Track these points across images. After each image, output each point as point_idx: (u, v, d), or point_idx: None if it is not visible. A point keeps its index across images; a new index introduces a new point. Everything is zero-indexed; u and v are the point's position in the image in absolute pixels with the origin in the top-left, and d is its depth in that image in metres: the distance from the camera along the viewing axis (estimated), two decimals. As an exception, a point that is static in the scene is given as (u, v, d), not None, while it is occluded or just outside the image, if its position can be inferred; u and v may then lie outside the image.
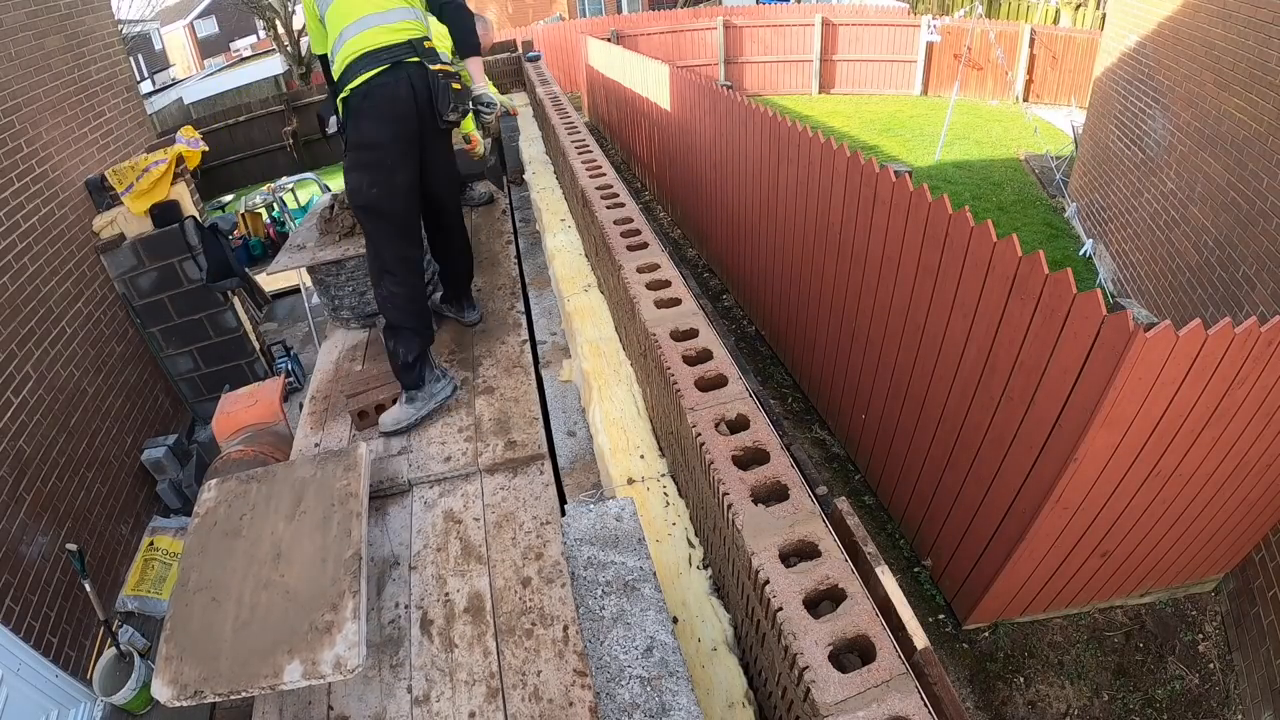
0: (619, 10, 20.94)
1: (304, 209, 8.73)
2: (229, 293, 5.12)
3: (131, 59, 7.43)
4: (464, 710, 1.41)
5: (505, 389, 2.33)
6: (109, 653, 3.44)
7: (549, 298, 2.81)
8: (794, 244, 4.56)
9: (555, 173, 3.47)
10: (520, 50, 7.32)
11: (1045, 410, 2.57)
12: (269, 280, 6.36)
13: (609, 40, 12.05)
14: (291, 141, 12.54)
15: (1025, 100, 11.48)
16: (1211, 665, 3.22)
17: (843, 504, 1.42)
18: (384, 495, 1.98)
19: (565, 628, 1.53)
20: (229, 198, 10.37)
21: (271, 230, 8.62)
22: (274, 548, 1.59)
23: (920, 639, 1.19)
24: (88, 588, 3.24)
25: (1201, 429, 2.49)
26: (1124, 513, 2.79)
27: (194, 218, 4.96)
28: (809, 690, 0.77)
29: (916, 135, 10.51)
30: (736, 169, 5.35)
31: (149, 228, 4.83)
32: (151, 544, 4.23)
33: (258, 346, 5.49)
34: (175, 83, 18.75)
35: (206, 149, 5.54)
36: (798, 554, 0.94)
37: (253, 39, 29.77)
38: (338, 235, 2.72)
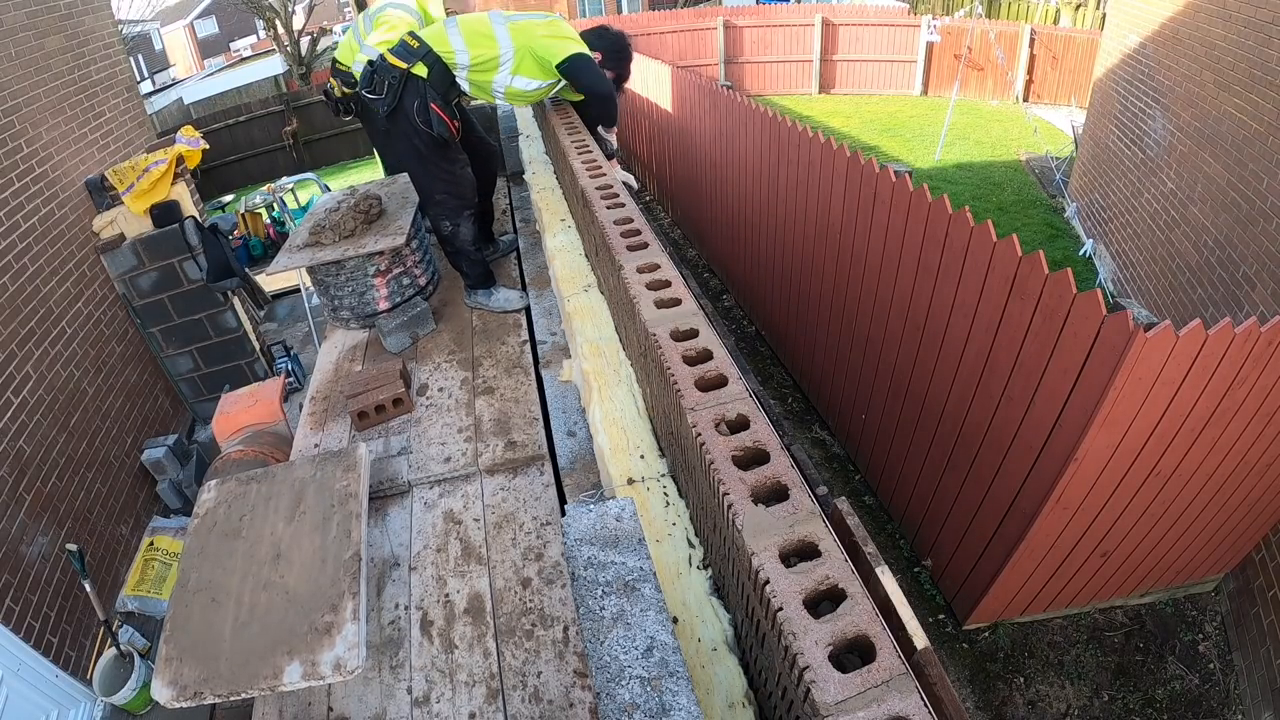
0: (619, 10, 20.92)
1: (304, 209, 8.73)
2: (229, 293, 5.12)
3: (131, 59, 7.43)
4: (464, 711, 1.41)
5: (505, 389, 2.33)
6: (109, 653, 3.44)
7: (549, 298, 2.81)
8: (794, 244, 4.56)
9: (555, 173, 3.47)
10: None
11: (1045, 410, 2.57)
12: (269, 280, 6.36)
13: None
14: (291, 141, 12.56)
15: (1025, 100, 11.49)
16: (1211, 665, 3.22)
17: (843, 504, 1.42)
18: (384, 496, 1.98)
19: (565, 628, 1.53)
20: (229, 198, 10.37)
21: (271, 230, 8.62)
22: (273, 548, 1.59)
23: (920, 639, 1.19)
24: (88, 588, 3.24)
25: (1201, 429, 2.49)
26: (1124, 513, 2.79)
27: (194, 218, 4.96)
28: (809, 690, 0.77)
29: (916, 135, 10.51)
30: (736, 169, 5.35)
31: (149, 228, 4.83)
32: (151, 544, 4.23)
33: (258, 346, 5.49)
34: (175, 83, 18.77)
35: (207, 149, 5.54)
36: (798, 554, 0.94)
37: (253, 39, 29.79)
38: (350, 233, 2.72)
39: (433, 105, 2.44)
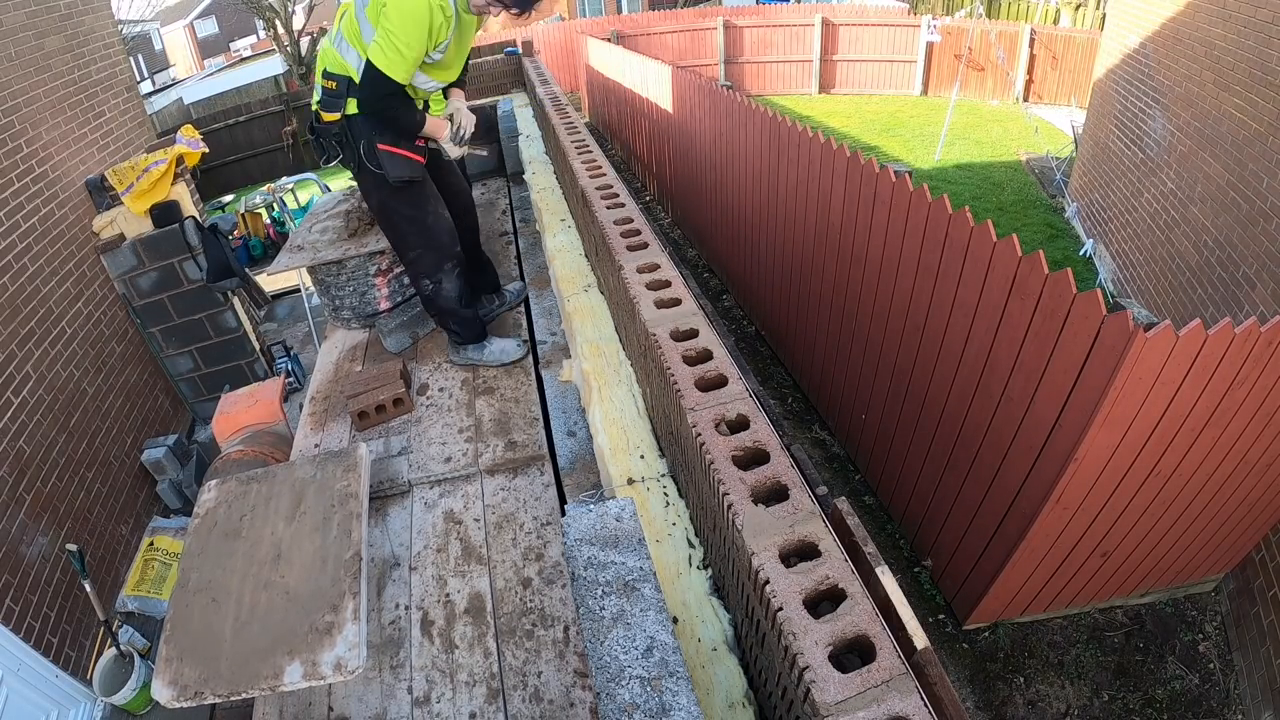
0: (619, 10, 20.94)
1: (304, 209, 8.73)
2: (229, 293, 5.12)
3: (131, 59, 7.44)
4: (464, 711, 1.41)
5: (505, 389, 2.33)
6: (109, 653, 3.44)
7: (549, 298, 2.81)
8: (794, 244, 4.56)
9: (555, 173, 3.47)
10: (519, 50, 7.33)
11: (1045, 410, 2.57)
12: (269, 280, 6.37)
13: (609, 41, 12.05)
14: (291, 141, 12.56)
15: (1025, 100, 11.48)
16: (1211, 665, 3.22)
17: (843, 504, 1.42)
18: (384, 496, 1.98)
19: (566, 628, 1.53)
20: (229, 198, 10.37)
21: (271, 230, 8.62)
22: (274, 548, 1.59)
23: (920, 639, 1.19)
24: (88, 588, 3.24)
25: (1201, 429, 2.49)
26: (1124, 513, 2.79)
27: (194, 218, 4.96)
28: (809, 690, 0.77)
29: (916, 135, 10.51)
30: (736, 169, 5.35)
31: (149, 228, 4.83)
32: (151, 544, 4.23)
33: (258, 346, 5.49)
34: (175, 83, 18.78)
35: (206, 149, 5.54)
36: (798, 554, 0.94)
37: (253, 39, 29.80)
38: (352, 233, 2.72)
39: (380, 146, 2.17)
